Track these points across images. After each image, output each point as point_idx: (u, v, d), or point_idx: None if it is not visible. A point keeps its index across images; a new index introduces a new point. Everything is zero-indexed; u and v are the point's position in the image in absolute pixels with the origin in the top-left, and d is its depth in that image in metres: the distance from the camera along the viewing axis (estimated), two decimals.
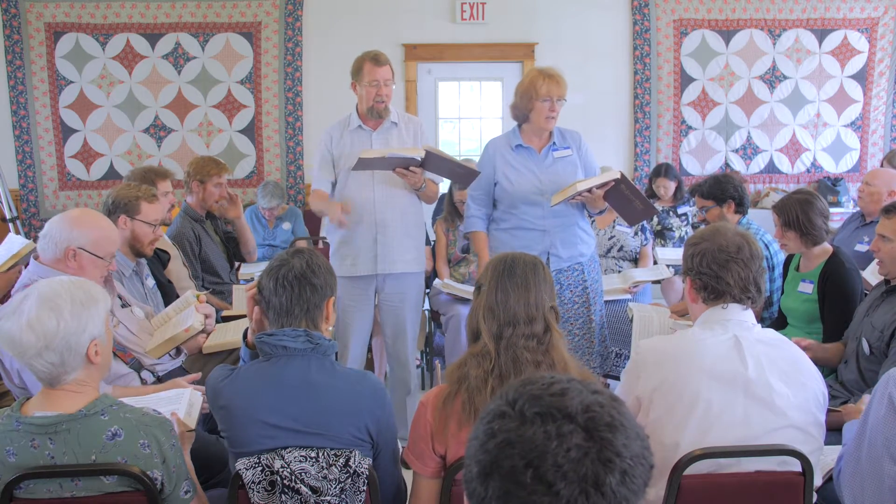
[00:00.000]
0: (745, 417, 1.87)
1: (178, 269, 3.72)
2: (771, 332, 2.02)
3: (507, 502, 0.86)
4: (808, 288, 3.15)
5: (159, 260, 3.55)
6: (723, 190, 3.70)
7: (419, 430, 1.90)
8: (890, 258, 2.69)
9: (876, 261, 2.84)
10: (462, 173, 3.46)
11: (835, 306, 3.05)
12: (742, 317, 1.98)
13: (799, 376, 1.92)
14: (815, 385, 1.95)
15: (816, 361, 2.82)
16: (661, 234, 5.07)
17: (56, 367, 1.73)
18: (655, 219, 5.11)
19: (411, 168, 3.30)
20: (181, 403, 2.21)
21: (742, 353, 1.90)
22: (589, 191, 3.22)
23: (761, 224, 3.86)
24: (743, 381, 1.87)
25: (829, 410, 2.50)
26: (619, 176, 3.21)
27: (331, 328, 2.11)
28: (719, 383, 1.87)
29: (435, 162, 3.32)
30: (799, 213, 3.10)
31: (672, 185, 5.21)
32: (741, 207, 3.72)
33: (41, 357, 1.71)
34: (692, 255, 2.03)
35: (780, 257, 3.56)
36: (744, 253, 1.98)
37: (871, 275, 3.26)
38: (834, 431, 2.28)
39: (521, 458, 0.86)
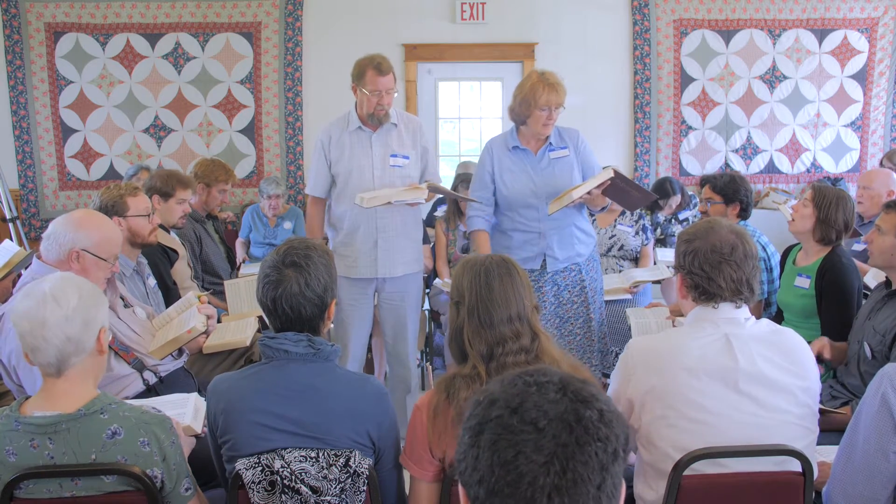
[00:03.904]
0: (740, 416, 1.86)
1: (182, 270, 3.71)
2: (766, 324, 1.99)
3: (498, 449, 0.91)
4: (804, 283, 3.14)
5: (168, 259, 3.54)
6: (735, 190, 3.71)
7: (416, 435, 1.87)
8: (880, 250, 2.68)
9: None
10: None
11: (832, 302, 3.04)
12: (734, 315, 1.95)
13: (793, 368, 1.90)
14: (811, 376, 1.93)
15: (833, 359, 2.81)
16: (664, 242, 5.05)
17: (72, 342, 1.73)
18: (658, 229, 5.10)
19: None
20: (187, 408, 2.21)
21: (733, 351, 1.88)
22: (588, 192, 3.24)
23: (758, 225, 3.86)
24: (734, 379, 1.86)
25: (828, 411, 2.51)
26: (612, 175, 3.22)
27: (331, 324, 2.09)
28: (711, 383, 1.86)
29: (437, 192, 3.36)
30: (832, 201, 3.10)
31: (678, 199, 5.14)
32: (744, 213, 3.73)
33: (61, 329, 1.72)
34: (684, 252, 1.99)
35: (778, 258, 3.56)
36: (737, 254, 1.94)
37: (872, 278, 3.26)
38: (834, 432, 2.27)
39: (505, 407, 0.93)
